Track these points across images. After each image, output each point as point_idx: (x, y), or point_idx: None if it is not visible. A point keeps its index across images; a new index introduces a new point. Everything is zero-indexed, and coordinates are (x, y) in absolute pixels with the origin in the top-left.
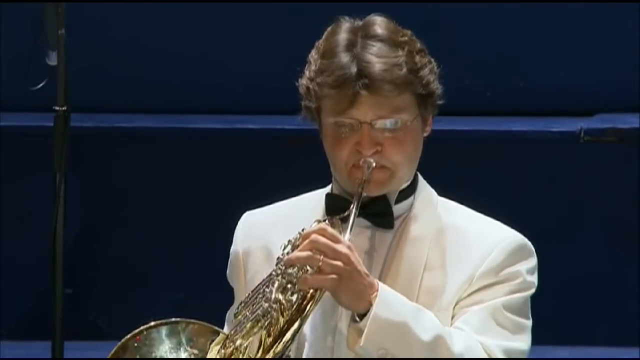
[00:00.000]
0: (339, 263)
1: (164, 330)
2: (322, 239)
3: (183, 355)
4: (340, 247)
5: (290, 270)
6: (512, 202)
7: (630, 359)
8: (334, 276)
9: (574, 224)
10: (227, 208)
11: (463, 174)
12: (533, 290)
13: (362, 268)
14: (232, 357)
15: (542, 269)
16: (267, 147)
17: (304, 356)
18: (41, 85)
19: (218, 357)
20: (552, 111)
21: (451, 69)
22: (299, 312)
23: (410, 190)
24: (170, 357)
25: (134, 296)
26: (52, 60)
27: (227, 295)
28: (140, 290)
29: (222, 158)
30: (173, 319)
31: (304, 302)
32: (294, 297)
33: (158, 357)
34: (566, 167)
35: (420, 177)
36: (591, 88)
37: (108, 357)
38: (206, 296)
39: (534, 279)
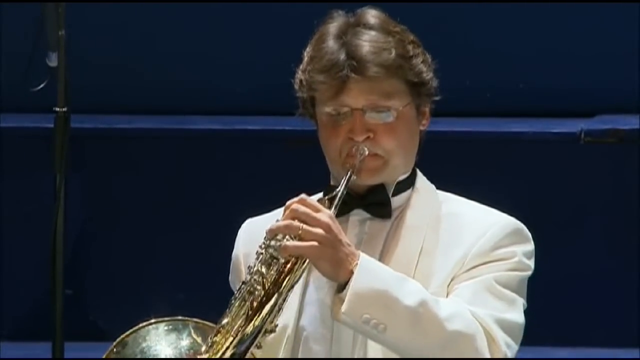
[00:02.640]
0: (319, 230)
1: (164, 327)
2: (302, 208)
3: (182, 350)
4: (321, 216)
5: (272, 243)
6: (512, 203)
7: None
8: (314, 243)
9: (574, 225)
10: (227, 209)
11: (463, 175)
12: (529, 273)
13: (344, 237)
14: (218, 335)
15: (542, 270)
16: (267, 148)
17: (301, 339)
18: (41, 86)
19: (210, 340)
20: (552, 112)
21: (451, 70)
22: (276, 287)
23: (408, 183)
24: (168, 352)
25: (134, 297)
26: (53, 61)
27: (227, 296)
28: (140, 291)
29: (221, 159)
30: (174, 317)
31: (282, 276)
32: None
33: (156, 352)
34: (566, 168)
35: (418, 172)
36: (591, 89)
37: (106, 353)
38: (206, 297)
39: (530, 262)
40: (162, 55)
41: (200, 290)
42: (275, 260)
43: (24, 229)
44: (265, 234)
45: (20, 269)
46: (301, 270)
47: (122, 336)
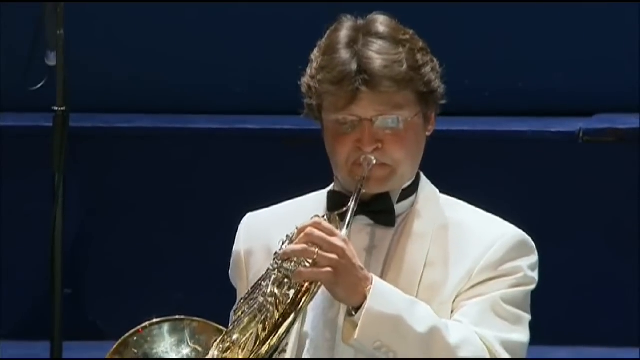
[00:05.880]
0: (334, 256)
1: (166, 327)
2: (317, 232)
3: (185, 351)
4: (335, 240)
5: (286, 265)
6: (511, 202)
7: (631, 359)
8: (329, 269)
9: (573, 224)
10: (225, 208)
11: (461, 174)
12: (534, 286)
13: (357, 261)
14: (229, 351)
15: (541, 269)
16: (265, 147)
17: (304, 350)
18: (40, 85)
19: (216, 352)
20: (551, 111)
21: (450, 69)
22: (294, 306)
23: (412, 189)
24: (171, 354)
25: (133, 296)
26: (51, 60)
27: (226, 295)
28: (140, 290)
29: (220, 158)
30: (176, 317)
31: (299, 296)
32: (291, 292)
33: (159, 353)
34: (565, 167)
35: (422, 176)
36: (590, 88)
37: (109, 353)
38: (205, 296)
39: (534, 274)
40: (161, 55)
41: (199, 289)
42: (287, 281)
43: (22, 228)
44: (275, 255)
45: (19, 268)
46: (317, 289)
47: (125, 336)
